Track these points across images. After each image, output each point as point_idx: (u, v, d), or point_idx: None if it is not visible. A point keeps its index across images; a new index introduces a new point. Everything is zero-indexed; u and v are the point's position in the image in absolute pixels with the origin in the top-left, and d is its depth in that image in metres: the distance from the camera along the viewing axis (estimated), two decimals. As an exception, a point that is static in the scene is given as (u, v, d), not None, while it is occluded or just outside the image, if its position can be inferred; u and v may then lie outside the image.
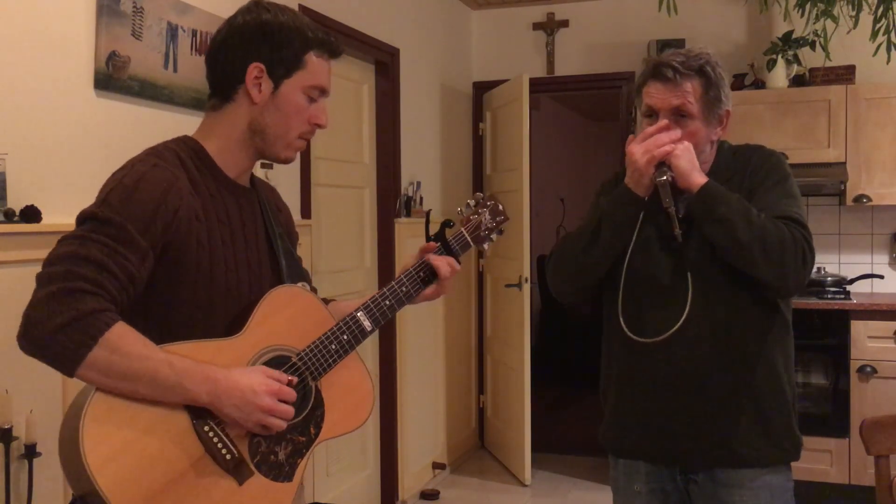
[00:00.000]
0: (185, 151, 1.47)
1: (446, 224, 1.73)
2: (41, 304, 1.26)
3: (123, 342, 1.29)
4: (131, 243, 1.33)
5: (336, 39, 1.55)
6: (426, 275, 1.66)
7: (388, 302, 1.61)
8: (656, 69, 1.83)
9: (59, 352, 1.26)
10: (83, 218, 1.35)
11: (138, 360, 1.29)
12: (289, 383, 1.43)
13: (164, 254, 1.38)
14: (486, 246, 1.80)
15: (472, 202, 1.78)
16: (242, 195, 1.54)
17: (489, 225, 1.78)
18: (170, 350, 1.35)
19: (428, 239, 1.71)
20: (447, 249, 1.70)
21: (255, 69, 1.46)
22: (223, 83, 1.50)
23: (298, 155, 3.67)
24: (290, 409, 1.42)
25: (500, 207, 1.80)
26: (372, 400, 1.60)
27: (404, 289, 1.64)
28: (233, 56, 1.47)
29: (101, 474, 1.24)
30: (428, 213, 1.74)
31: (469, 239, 1.75)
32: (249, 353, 1.44)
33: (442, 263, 1.65)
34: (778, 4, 4.02)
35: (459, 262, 1.72)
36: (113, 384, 1.29)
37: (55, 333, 1.24)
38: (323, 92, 1.53)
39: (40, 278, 1.29)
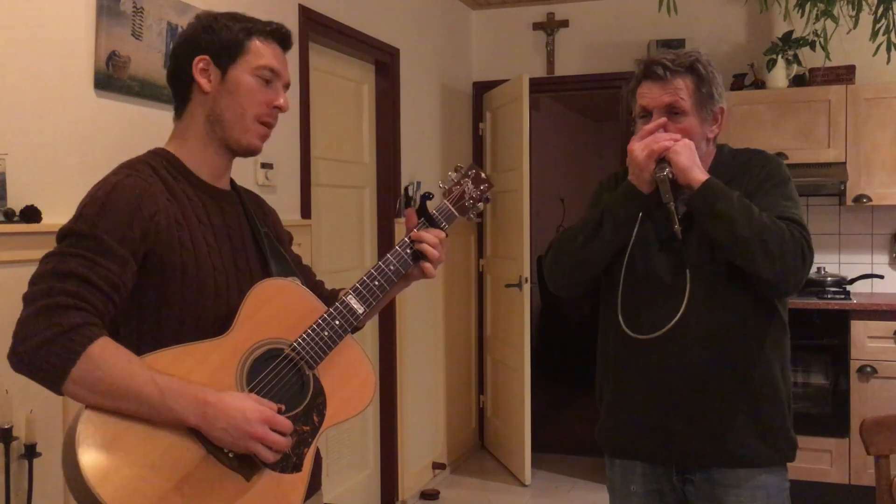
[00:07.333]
0: (157, 161, 1.50)
1: (426, 197, 1.69)
2: (26, 322, 1.27)
3: (107, 356, 1.29)
4: (109, 253, 1.34)
5: (285, 28, 1.57)
6: (414, 251, 1.63)
7: (377, 282, 1.59)
8: (647, 69, 1.85)
9: (44, 367, 1.26)
10: (62, 235, 1.37)
11: (122, 377, 1.29)
12: (278, 411, 1.40)
13: (147, 260, 1.39)
14: (472, 215, 1.76)
15: (453, 174, 1.74)
16: (223, 198, 1.55)
17: (473, 194, 1.73)
18: (160, 357, 1.34)
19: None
20: (430, 222, 1.67)
21: (200, 62, 1.50)
22: (178, 87, 1.54)
23: (298, 155, 3.65)
24: (283, 441, 1.38)
25: (483, 175, 1.75)
26: (373, 381, 1.58)
27: (392, 267, 1.61)
28: (179, 58, 1.53)
29: (102, 488, 1.24)
30: (422, 197, 1.70)
31: (453, 209, 1.70)
32: (241, 350, 1.43)
33: (427, 236, 1.63)
34: (778, 4, 4.02)
35: (447, 234, 1.68)
36: (100, 401, 1.29)
37: (39, 349, 1.25)
38: (274, 73, 1.53)
39: (26, 298, 1.30)
